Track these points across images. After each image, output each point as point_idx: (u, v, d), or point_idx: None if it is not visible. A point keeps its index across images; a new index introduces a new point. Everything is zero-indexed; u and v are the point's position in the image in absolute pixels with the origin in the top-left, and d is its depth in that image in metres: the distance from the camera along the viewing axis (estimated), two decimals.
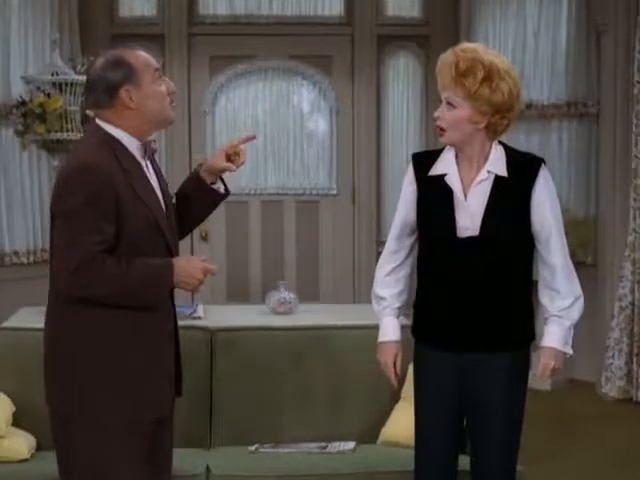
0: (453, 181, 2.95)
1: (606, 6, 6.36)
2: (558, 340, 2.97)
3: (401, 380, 3.26)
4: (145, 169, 2.84)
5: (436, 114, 2.93)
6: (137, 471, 2.78)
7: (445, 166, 2.98)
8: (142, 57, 2.82)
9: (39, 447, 3.69)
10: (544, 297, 3.01)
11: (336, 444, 3.78)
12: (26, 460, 3.63)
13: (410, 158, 3.11)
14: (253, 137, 3.13)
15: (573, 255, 6.51)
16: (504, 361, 2.96)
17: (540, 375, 2.98)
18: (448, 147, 3.01)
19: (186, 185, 3.09)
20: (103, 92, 2.78)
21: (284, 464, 3.64)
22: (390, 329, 3.11)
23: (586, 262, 6.60)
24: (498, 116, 2.89)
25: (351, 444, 3.78)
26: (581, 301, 3.01)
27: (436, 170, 2.99)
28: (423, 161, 3.04)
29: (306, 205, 7.38)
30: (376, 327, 3.17)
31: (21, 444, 3.66)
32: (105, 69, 2.77)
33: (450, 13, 7.14)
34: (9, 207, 6.46)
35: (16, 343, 3.88)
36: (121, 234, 2.71)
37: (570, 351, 3.02)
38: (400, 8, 7.35)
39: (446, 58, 2.90)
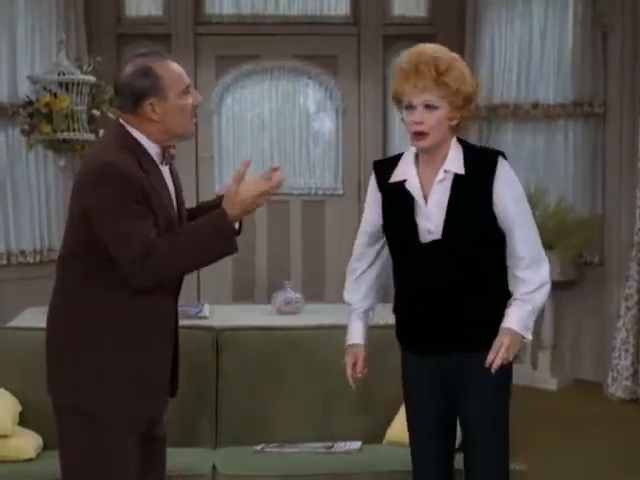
0: (413, 187, 2.94)
1: (612, 6, 6.35)
2: (515, 322, 2.89)
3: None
4: (163, 174, 2.86)
5: (416, 119, 2.86)
6: (131, 471, 2.80)
7: (404, 172, 2.97)
8: (173, 70, 2.79)
9: (45, 446, 3.70)
10: (511, 285, 2.97)
11: (342, 444, 3.78)
12: (32, 459, 3.64)
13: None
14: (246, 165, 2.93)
15: (580, 255, 6.58)
16: (484, 361, 2.88)
17: (491, 359, 2.85)
18: (408, 152, 2.99)
19: (207, 204, 3.05)
20: (128, 99, 2.77)
21: (290, 464, 3.65)
22: (354, 333, 3.13)
23: (592, 262, 6.60)
24: (467, 108, 2.90)
25: (357, 444, 3.78)
26: (546, 287, 2.93)
27: (397, 177, 2.98)
28: (384, 168, 3.03)
29: (312, 205, 7.38)
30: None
31: (27, 443, 3.67)
32: (132, 77, 2.75)
33: (456, 13, 7.12)
34: (15, 207, 6.48)
35: (22, 343, 3.89)
36: None
37: (529, 336, 2.93)
38: (406, 8, 7.35)
39: (418, 62, 2.84)
